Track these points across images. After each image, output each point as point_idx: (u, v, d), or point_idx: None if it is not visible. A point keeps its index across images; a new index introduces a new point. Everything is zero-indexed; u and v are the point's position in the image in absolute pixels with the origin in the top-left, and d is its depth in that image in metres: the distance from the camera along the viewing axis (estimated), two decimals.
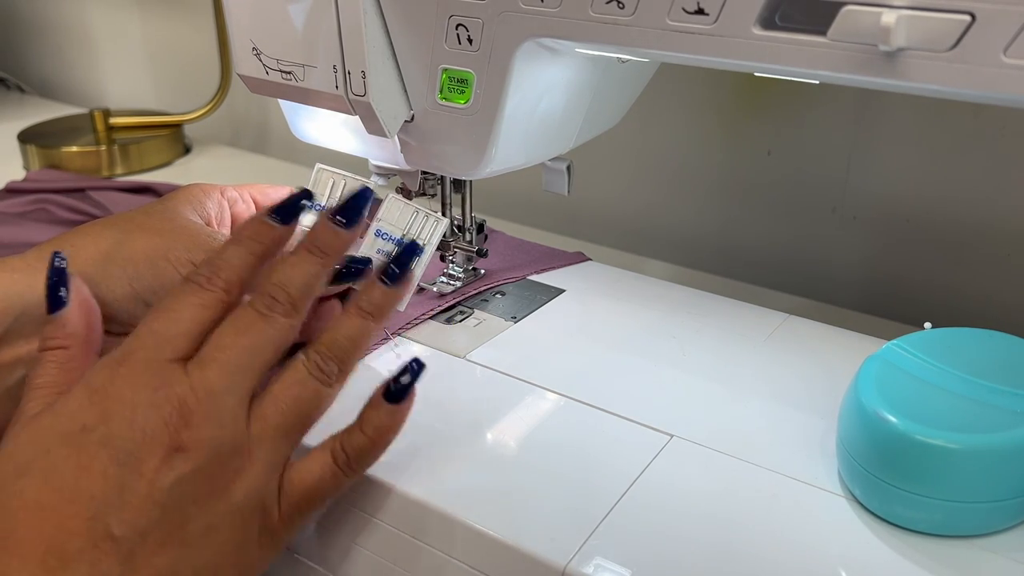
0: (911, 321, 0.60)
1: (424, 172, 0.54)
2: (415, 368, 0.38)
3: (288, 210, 0.39)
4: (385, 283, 0.39)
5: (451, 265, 0.57)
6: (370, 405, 0.38)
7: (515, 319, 0.54)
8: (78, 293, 0.39)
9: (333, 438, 0.38)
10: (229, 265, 0.37)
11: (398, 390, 0.38)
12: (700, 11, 0.36)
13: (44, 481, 0.33)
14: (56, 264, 0.39)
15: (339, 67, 0.46)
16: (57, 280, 0.39)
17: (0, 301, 0.41)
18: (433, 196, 0.55)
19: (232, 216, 0.50)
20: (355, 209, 0.39)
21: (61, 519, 0.32)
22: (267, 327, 0.36)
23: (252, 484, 0.36)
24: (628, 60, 0.49)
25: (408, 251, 0.40)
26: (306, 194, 0.40)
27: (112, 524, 0.33)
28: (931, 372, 0.38)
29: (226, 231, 0.48)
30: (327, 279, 0.39)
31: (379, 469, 0.40)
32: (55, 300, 0.38)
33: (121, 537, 0.33)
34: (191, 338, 0.36)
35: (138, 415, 0.34)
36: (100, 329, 0.40)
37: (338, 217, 0.39)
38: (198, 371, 0.35)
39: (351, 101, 0.47)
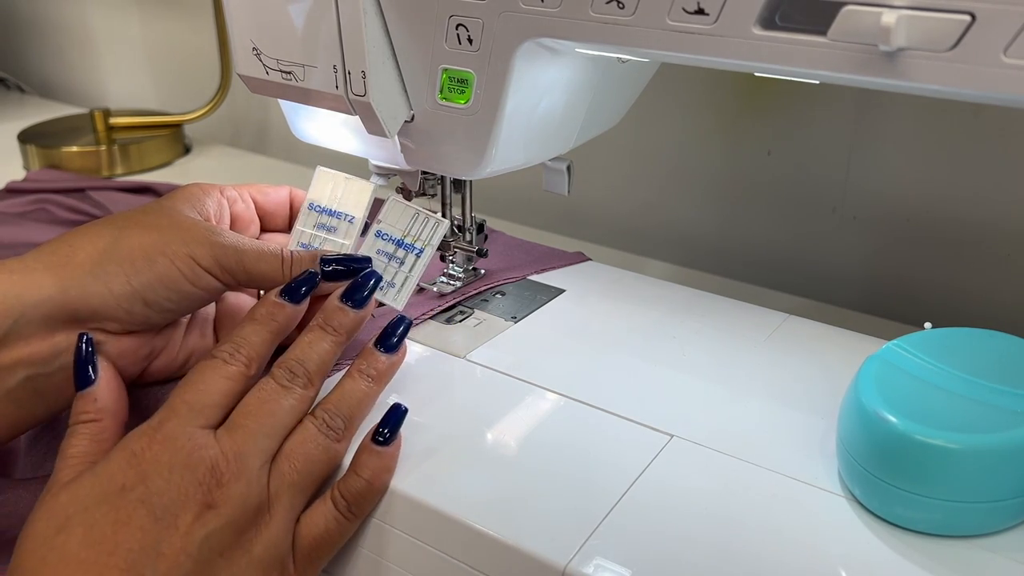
0: (911, 321, 0.60)
1: (424, 172, 0.54)
2: (395, 416, 0.41)
3: (297, 291, 0.43)
4: (382, 351, 0.43)
5: (451, 265, 0.57)
6: (362, 450, 0.41)
7: (515, 319, 0.54)
8: (106, 370, 0.42)
9: (332, 487, 0.40)
10: (248, 342, 0.41)
11: (386, 437, 0.40)
12: (700, 11, 0.36)
13: (84, 536, 0.35)
14: (83, 343, 0.42)
15: (339, 67, 0.46)
16: (85, 357, 0.42)
17: None
18: (433, 196, 0.55)
19: (232, 215, 0.50)
20: (364, 291, 0.44)
21: (99, 571, 0.34)
22: (288, 397, 0.41)
23: (271, 538, 0.38)
24: (628, 60, 0.49)
25: (403, 324, 0.44)
26: (312, 276, 0.44)
27: (147, 575, 0.35)
28: (931, 372, 0.38)
29: (225, 228, 0.49)
30: (341, 351, 0.43)
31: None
32: (84, 376, 0.41)
33: None
34: (219, 408, 0.40)
35: (175, 475, 0.37)
36: (127, 403, 0.43)
37: (348, 300, 0.43)
38: (227, 436, 0.39)
39: (351, 101, 0.47)
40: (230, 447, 0.38)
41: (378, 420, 0.41)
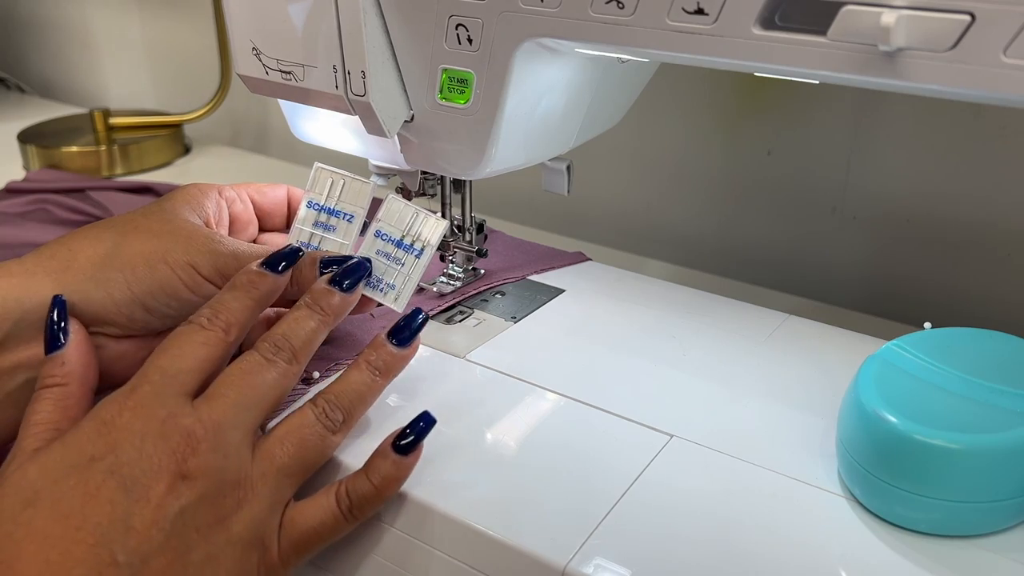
0: (911, 321, 0.60)
1: (424, 172, 0.54)
2: (424, 424, 0.39)
3: (279, 261, 0.42)
4: (394, 344, 0.42)
5: (451, 265, 0.57)
6: (378, 453, 0.39)
7: (515, 319, 0.54)
8: (76, 333, 0.41)
9: (339, 482, 0.39)
10: (227, 308, 0.40)
11: (408, 443, 0.39)
12: (700, 11, 0.36)
13: (51, 510, 0.34)
14: (56, 304, 0.41)
15: (339, 67, 0.46)
16: (56, 320, 0.40)
17: None
18: (433, 196, 0.55)
19: (231, 216, 0.50)
20: (353, 277, 0.43)
21: (66, 546, 0.33)
22: (271, 370, 0.39)
23: (252, 518, 0.37)
24: (628, 60, 0.49)
25: (419, 319, 0.43)
26: (295, 250, 0.43)
27: (117, 551, 0.33)
28: (931, 372, 0.38)
29: (224, 231, 0.49)
30: (327, 333, 0.42)
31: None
32: (54, 340, 0.40)
33: (125, 563, 0.33)
34: (195, 374, 0.38)
35: (147, 444, 0.35)
36: (96, 368, 0.42)
37: (338, 282, 0.42)
38: (205, 405, 0.37)
39: (351, 101, 0.47)
40: (208, 416, 0.36)
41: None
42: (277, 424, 0.39)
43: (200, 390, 0.38)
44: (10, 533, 0.34)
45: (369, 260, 0.46)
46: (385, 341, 0.42)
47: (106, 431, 0.36)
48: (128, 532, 0.34)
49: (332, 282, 0.43)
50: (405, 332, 0.42)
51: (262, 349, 0.40)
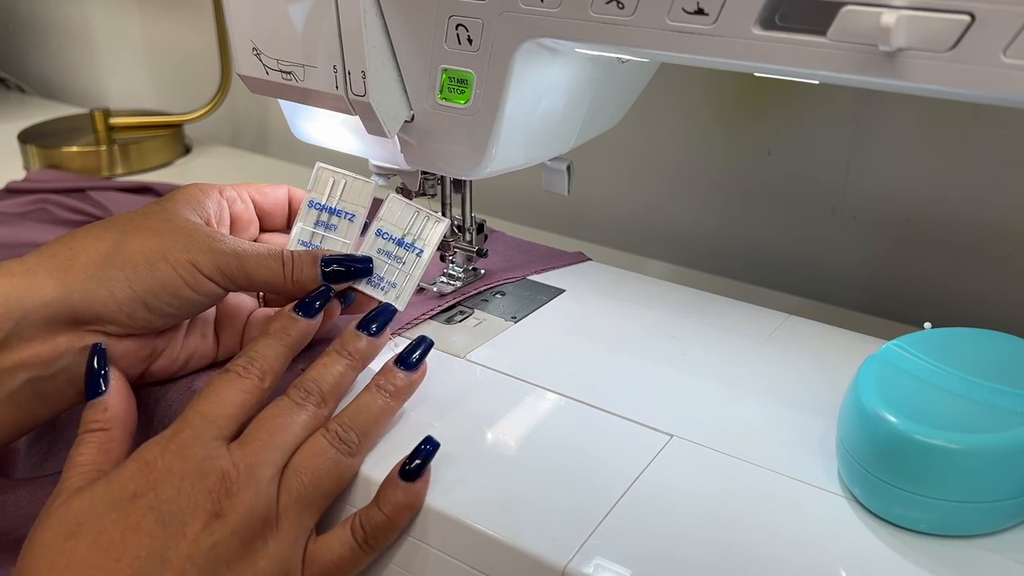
0: (911, 321, 0.60)
1: (424, 172, 0.54)
2: (428, 448, 0.40)
3: (311, 306, 0.44)
4: (402, 369, 0.43)
5: (451, 265, 0.57)
6: (387, 484, 0.40)
7: (515, 319, 0.54)
8: (117, 380, 0.42)
9: (354, 516, 0.40)
10: (262, 356, 0.42)
11: (413, 469, 0.40)
12: (700, 11, 0.36)
13: (92, 542, 0.35)
14: (95, 353, 0.42)
15: (339, 67, 0.46)
16: (97, 367, 0.42)
17: (0, 306, 0.41)
18: (433, 196, 0.55)
19: (232, 216, 0.50)
20: (381, 322, 0.45)
21: None
22: (300, 413, 0.41)
23: (278, 553, 0.38)
24: (628, 60, 0.49)
25: (423, 344, 0.44)
26: (326, 291, 0.45)
27: None
28: (931, 372, 0.38)
29: (225, 230, 0.49)
30: (355, 376, 0.44)
31: (379, 469, 0.41)
32: (94, 387, 0.42)
33: None
34: (233, 419, 0.40)
35: (185, 483, 0.37)
36: (135, 413, 0.43)
37: (364, 330, 0.44)
38: (239, 448, 0.39)
39: (351, 101, 0.47)
40: (241, 458, 0.38)
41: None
42: (292, 456, 0.40)
43: (236, 434, 0.40)
44: (52, 563, 0.35)
45: (371, 259, 0.46)
46: (393, 367, 0.43)
47: (148, 471, 0.37)
48: (164, 565, 0.35)
49: (361, 327, 0.44)
50: (411, 357, 0.44)
51: (292, 395, 0.41)
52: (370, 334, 0.44)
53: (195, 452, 0.38)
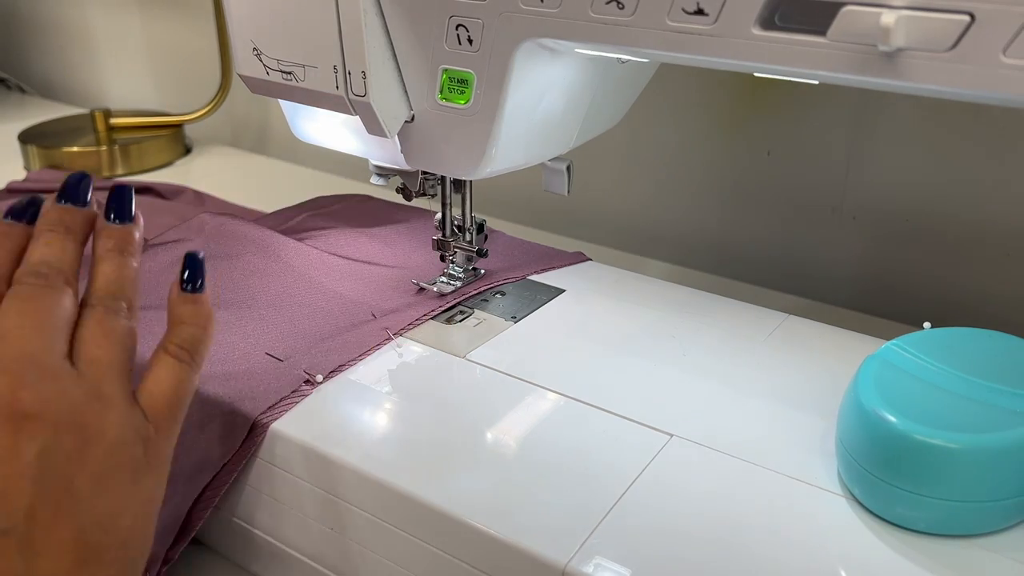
0: (911, 321, 0.60)
1: (424, 172, 0.54)
2: (191, 260, 0.38)
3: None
4: (117, 222, 0.39)
5: (451, 265, 0.57)
6: (178, 302, 0.38)
7: (515, 319, 0.54)
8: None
9: (162, 347, 0.37)
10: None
11: (190, 280, 0.38)
12: (700, 11, 0.36)
13: None
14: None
15: (339, 67, 0.46)
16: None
17: None
18: (433, 196, 0.55)
19: None
20: (76, 189, 0.39)
21: None
22: (52, 294, 0.35)
23: (119, 419, 0.34)
24: (628, 60, 0.49)
25: (124, 192, 0.40)
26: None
27: None
28: (931, 372, 0.38)
29: None
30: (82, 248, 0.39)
31: (379, 468, 0.41)
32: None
33: (10, 528, 0.31)
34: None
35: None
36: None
37: (64, 201, 0.38)
38: (3, 345, 0.34)
39: (351, 101, 0.47)
40: (11, 352, 0.33)
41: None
42: (75, 338, 0.36)
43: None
44: None
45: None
46: (106, 223, 0.39)
47: None
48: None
49: (60, 201, 0.39)
50: (115, 206, 0.39)
51: (28, 278, 0.36)
52: (76, 204, 0.39)
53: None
